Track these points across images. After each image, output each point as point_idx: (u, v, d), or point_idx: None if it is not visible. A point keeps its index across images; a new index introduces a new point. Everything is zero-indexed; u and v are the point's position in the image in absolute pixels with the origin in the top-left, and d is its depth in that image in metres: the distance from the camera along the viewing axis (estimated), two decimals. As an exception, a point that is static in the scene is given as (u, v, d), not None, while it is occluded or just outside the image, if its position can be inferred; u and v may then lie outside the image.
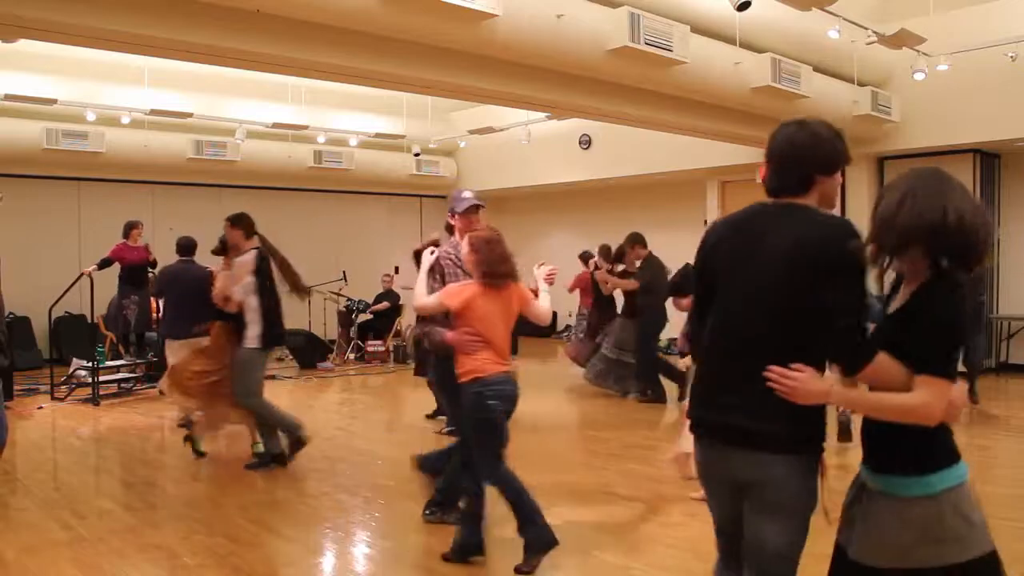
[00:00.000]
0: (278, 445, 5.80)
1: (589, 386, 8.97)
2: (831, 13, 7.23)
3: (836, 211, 2.39)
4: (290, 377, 10.38)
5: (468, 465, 4.00)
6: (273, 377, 10.25)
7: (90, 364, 8.75)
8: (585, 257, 10.39)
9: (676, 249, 7.24)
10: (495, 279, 3.84)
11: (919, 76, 8.56)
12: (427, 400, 7.46)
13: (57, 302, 9.51)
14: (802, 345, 2.11)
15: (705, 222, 11.75)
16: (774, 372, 2.09)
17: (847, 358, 2.11)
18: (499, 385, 3.79)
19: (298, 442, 5.77)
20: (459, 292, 3.87)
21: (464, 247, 3.96)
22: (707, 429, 2.28)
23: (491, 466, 3.82)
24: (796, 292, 2.10)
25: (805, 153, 2.20)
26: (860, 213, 7.33)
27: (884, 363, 2.04)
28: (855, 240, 2.08)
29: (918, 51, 8.33)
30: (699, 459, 2.34)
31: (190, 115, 10.81)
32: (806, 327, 2.10)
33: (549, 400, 8.82)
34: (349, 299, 12.29)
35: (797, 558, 2.21)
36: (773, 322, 2.13)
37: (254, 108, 11.56)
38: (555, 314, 13.27)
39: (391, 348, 11.87)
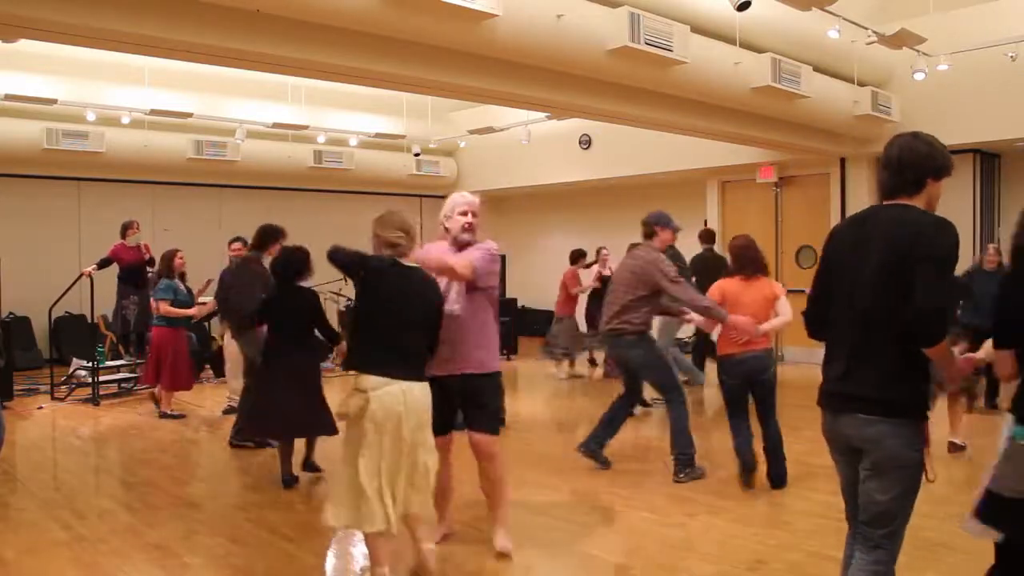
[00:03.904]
0: None
1: (590, 385, 8.94)
2: (831, 13, 7.22)
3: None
4: (290, 377, 10.34)
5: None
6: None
7: (90, 364, 8.76)
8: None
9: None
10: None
11: (919, 76, 8.55)
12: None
13: (57, 302, 9.52)
14: (899, 320, 2.44)
15: (705, 222, 11.75)
16: None
17: (922, 334, 2.43)
18: None
19: None
20: None
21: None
22: (824, 398, 2.68)
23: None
24: (893, 275, 2.45)
25: (922, 159, 2.57)
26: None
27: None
28: (944, 234, 2.43)
29: (918, 51, 8.33)
30: (823, 427, 2.72)
31: (190, 115, 10.80)
32: (901, 305, 2.43)
33: (550, 400, 8.82)
34: (349, 299, 12.27)
35: (903, 515, 2.54)
36: (875, 300, 2.50)
37: (254, 108, 11.54)
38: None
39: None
